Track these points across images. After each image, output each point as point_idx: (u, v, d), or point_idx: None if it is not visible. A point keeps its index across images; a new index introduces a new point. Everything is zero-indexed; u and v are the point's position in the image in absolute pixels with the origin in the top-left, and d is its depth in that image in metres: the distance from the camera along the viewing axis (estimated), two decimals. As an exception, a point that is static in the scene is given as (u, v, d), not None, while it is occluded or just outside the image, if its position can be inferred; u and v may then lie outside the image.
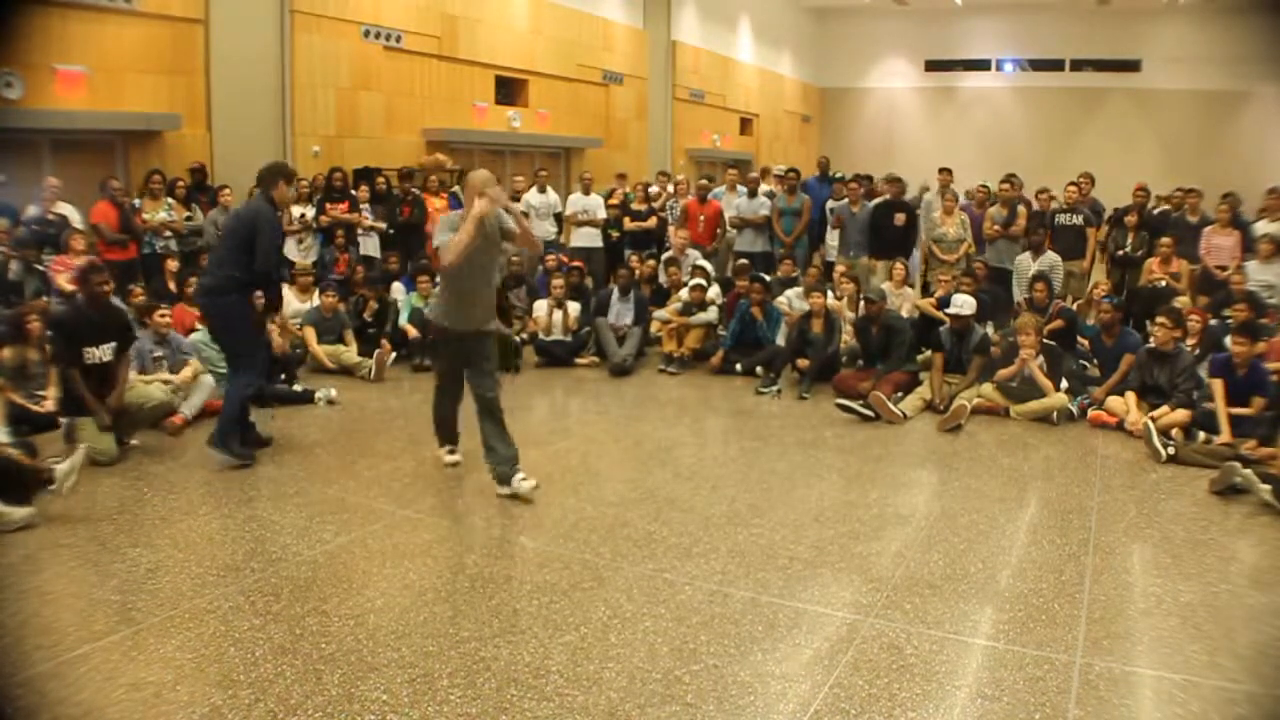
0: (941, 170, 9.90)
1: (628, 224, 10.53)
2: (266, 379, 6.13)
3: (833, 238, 9.88)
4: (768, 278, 8.27)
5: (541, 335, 8.32)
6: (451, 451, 5.32)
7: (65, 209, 7.77)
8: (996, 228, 8.99)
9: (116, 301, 5.91)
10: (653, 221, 10.55)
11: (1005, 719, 2.86)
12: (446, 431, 5.32)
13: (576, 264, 9.31)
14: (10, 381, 5.58)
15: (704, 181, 10.50)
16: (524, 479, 4.75)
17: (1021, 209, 9.13)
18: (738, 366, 7.81)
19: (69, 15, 8.27)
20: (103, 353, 5.35)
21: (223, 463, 5.15)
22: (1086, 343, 7.56)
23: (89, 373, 5.30)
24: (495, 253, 4.93)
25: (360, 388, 7.22)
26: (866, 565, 4.00)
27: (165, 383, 5.99)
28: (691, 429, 6.59)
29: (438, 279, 8.46)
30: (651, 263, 9.40)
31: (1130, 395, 6.30)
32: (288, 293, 8.05)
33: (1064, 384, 6.65)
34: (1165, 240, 8.56)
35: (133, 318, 6.06)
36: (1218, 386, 5.86)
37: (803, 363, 7.33)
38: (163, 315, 6.06)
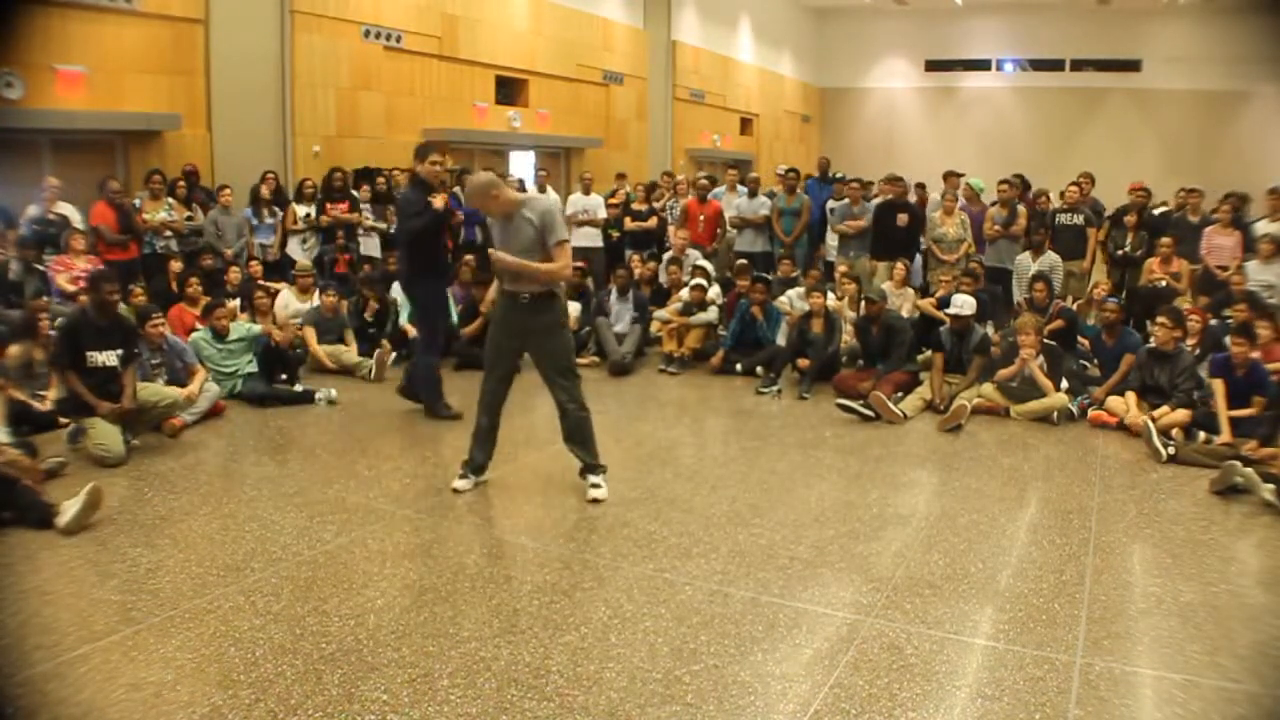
0: (947, 175, 9.77)
1: (628, 224, 10.53)
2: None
3: (832, 238, 9.89)
4: (768, 278, 8.27)
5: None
6: (464, 476, 4.80)
7: (66, 209, 7.77)
8: (996, 228, 8.99)
9: (122, 309, 5.88)
10: (653, 222, 10.55)
11: (1005, 719, 2.86)
12: (476, 449, 4.78)
13: (578, 264, 9.30)
14: (14, 380, 5.58)
15: (704, 181, 10.49)
16: (597, 485, 4.70)
17: (1022, 209, 9.13)
18: (738, 366, 7.80)
19: (69, 15, 8.27)
20: (106, 358, 5.34)
21: (443, 420, 6.09)
22: (1086, 343, 7.56)
23: (92, 375, 5.29)
24: (533, 249, 4.46)
25: (360, 388, 7.21)
26: (867, 565, 4.00)
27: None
28: (692, 429, 6.60)
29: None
30: (652, 264, 9.39)
31: (1130, 395, 6.30)
32: (287, 293, 8.05)
33: (1064, 384, 6.65)
34: (1165, 240, 8.56)
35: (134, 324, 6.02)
36: (1218, 386, 5.86)
37: (803, 363, 7.32)
38: (154, 326, 6.00)
